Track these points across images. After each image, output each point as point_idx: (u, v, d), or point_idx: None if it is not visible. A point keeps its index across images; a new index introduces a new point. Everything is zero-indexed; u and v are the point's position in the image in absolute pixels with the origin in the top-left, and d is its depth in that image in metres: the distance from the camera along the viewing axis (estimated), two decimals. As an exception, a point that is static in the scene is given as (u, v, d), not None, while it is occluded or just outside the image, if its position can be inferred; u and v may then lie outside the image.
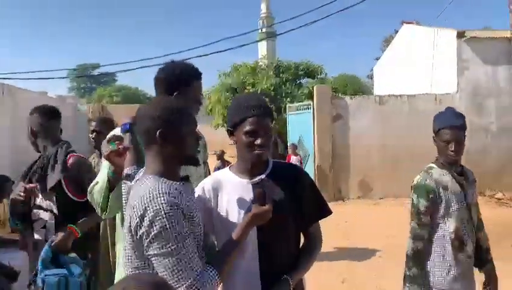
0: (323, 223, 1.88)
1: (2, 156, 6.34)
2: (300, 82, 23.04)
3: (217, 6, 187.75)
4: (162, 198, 1.30)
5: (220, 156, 10.38)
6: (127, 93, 41.48)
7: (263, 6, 45.54)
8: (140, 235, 1.28)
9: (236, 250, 1.51)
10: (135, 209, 1.30)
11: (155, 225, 1.27)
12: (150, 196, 1.30)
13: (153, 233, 1.26)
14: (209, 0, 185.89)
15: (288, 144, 11.55)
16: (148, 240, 1.26)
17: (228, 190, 1.74)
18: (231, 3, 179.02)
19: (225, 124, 23.16)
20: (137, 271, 1.30)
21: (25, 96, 7.67)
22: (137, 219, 1.28)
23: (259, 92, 20.63)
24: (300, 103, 12.16)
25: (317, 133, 10.90)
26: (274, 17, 41.93)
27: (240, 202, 1.70)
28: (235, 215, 1.67)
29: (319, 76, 23.37)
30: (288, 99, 19.63)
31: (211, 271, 1.35)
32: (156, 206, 1.28)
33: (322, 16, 10.23)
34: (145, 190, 1.34)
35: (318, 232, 1.83)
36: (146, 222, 1.27)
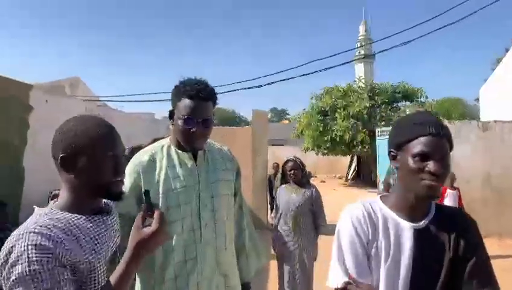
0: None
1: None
2: (397, 105, 21.92)
3: (316, 32, 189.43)
4: (31, 239, 1.03)
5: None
6: (224, 115, 43.33)
7: (361, 29, 44.76)
8: (2, 277, 1.05)
9: None
10: (4, 246, 1.06)
11: (14, 270, 1.01)
12: (20, 234, 1.05)
13: (11, 280, 1.01)
14: (308, 25, 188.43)
15: (377, 171, 10.81)
16: (7, 286, 1.03)
17: (385, 232, 1.34)
18: (330, 27, 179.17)
19: (315, 148, 23.01)
20: None
21: (117, 116, 8.30)
22: (2, 259, 1.04)
23: (350, 114, 20.09)
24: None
25: (409, 160, 10.04)
26: (372, 39, 40.76)
27: (398, 250, 1.31)
28: (391, 265, 1.30)
29: (418, 99, 22.02)
30: (383, 123, 18.72)
31: None
32: (21, 248, 1.02)
33: (422, 34, 9.40)
34: (23, 224, 1.11)
35: None
36: (8, 264, 1.02)
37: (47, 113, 5.18)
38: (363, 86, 22.79)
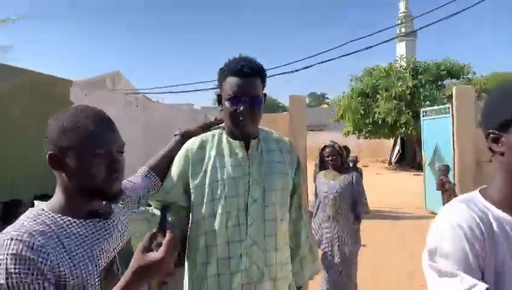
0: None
1: (136, 161, 6.95)
2: (442, 83, 20.96)
3: (353, 12, 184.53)
4: (11, 248, 0.93)
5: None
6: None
7: (401, 5, 42.96)
8: None
9: None
10: None
11: None
12: (2, 240, 0.96)
13: None
14: (345, 3, 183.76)
15: (422, 153, 10.39)
16: None
17: (497, 231, 1.05)
18: (368, 4, 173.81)
19: (356, 132, 22.48)
20: None
21: (156, 108, 8.41)
22: None
23: (393, 96, 19.40)
24: (437, 107, 10.84)
25: (457, 141, 9.53)
26: (413, 16, 39.16)
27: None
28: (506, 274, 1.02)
29: (464, 76, 20.92)
30: (428, 102, 17.97)
31: None
32: (0, 256, 0.93)
33: (467, 5, 8.72)
34: (8, 227, 1.01)
35: None
36: None
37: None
38: (405, 65, 21.91)
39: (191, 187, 1.66)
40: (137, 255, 1.02)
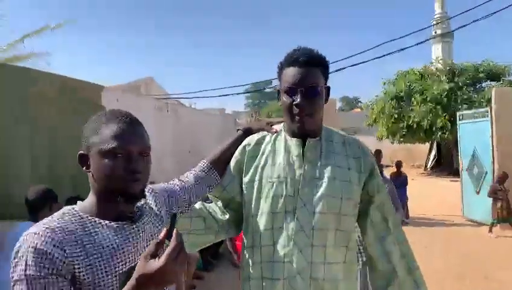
0: None
1: (166, 163, 7.04)
2: (480, 86, 20.20)
3: (387, 13, 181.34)
4: (34, 241, 0.99)
5: (398, 166, 9.58)
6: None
7: (437, 6, 41.80)
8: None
9: None
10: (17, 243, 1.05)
11: (15, 271, 0.99)
12: (27, 234, 1.02)
13: (13, 278, 0.99)
14: (380, 4, 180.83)
15: (460, 158, 9.99)
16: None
17: None
18: (402, 7, 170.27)
19: (390, 136, 21.89)
20: None
21: (186, 113, 8.54)
22: (12, 255, 1.02)
23: (428, 99, 18.84)
24: (475, 110, 10.42)
25: (496, 146, 9.12)
26: (449, 16, 38.10)
27: None
28: None
29: (505, 78, 20.06)
30: (465, 106, 17.33)
31: None
32: (24, 249, 0.99)
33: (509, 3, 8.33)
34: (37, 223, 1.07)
35: None
36: (13, 263, 1.00)
37: (118, 112, 5.41)
38: (441, 67, 21.26)
39: (243, 183, 1.60)
40: (141, 262, 0.99)
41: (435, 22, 36.33)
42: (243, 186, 1.60)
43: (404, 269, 1.58)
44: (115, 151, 1.07)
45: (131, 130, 1.11)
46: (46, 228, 1.02)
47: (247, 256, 1.58)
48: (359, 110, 41.42)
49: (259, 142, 1.64)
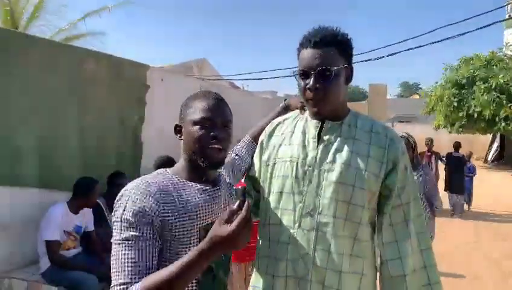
0: None
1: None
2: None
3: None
4: (132, 192, 1.20)
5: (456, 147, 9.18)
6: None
7: (512, -13, 38.49)
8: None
9: (179, 279, 1.09)
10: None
11: (116, 214, 1.20)
12: (128, 186, 1.23)
13: (113, 220, 1.20)
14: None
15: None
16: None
17: None
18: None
19: (448, 125, 20.63)
20: None
21: (233, 93, 8.60)
22: (115, 203, 1.23)
23: (492, 88, 17.54)
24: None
25: None
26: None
27: None
28: None
29: None
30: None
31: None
32: (124, 197, 1.20)
33: None
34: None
35: None
36: (115, 208, 1.21)
37: (163, 91, 5.54)
38: (511, 53, 19.68)
39: (261, 162, 1.61)
40: (216, 225, 1.12)
41: (508, 3, 33.49)
42: (261, 165, 1.61)
43: (423, 280, 1.45)
44: (203, 120, 1.29)
45: (216, 105, 1.33)
46: (142, 183, 1.21)
47: (260, 234, 1.57)
48: (417, 96, 39.61)
49: (279, 123, 1.64)
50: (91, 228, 3.77)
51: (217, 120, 1.30)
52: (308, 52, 1.42)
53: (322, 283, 1.40)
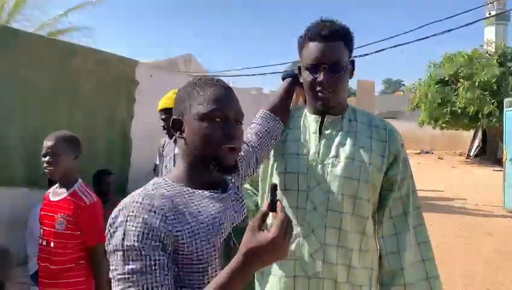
0: None
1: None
2: (535, 72, 18.91)
3: None
4: (131, 210, 0.94)
5: None
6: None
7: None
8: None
9: None
10: (112, 214, 0.99)
11: (112, 241, 0.94)
12: (124, 203, 0.97)
13: (108, 249, 0.95)
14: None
15: (504, 147, 9.46)
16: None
17: None
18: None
19: (432, 122, 20.93)
20: None
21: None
22: (107, 227, 0.97)
23: (476, 85, 17.85)
24: (525, 98, 9.78)
25: (546, 136, 8.57)
26: (506, -2, 35.67)
27: None
28: None
29: None
30: (517, 93, 16.32)
31: None
32: (121, 218, 0.94)
33: None
34: (131, 194, 1.02)
35: None
36: (109, 233, 0.95)
37: (151, 87, 5.46)
38: (492, 50, 20.03)
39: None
40: (248, 235, 0.91)
41: (489, 1, 34.09)
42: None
43: (421, 274, 1.45)
44: (213, 114, 1.03)
45: (227, 94, 1.08)
46: (144, 197, 0.96)
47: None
48: (401, 93, 40.08)
49: None
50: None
51: (230, 113, 1.05)
52: (317, 46, 1.41)
53: (334, 280, 1.39)
